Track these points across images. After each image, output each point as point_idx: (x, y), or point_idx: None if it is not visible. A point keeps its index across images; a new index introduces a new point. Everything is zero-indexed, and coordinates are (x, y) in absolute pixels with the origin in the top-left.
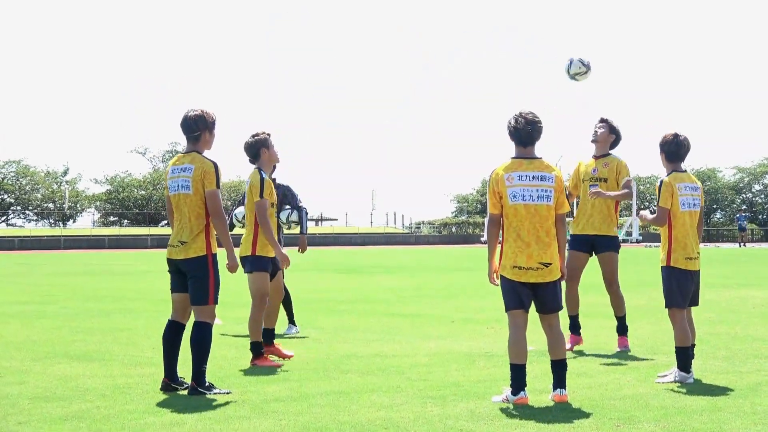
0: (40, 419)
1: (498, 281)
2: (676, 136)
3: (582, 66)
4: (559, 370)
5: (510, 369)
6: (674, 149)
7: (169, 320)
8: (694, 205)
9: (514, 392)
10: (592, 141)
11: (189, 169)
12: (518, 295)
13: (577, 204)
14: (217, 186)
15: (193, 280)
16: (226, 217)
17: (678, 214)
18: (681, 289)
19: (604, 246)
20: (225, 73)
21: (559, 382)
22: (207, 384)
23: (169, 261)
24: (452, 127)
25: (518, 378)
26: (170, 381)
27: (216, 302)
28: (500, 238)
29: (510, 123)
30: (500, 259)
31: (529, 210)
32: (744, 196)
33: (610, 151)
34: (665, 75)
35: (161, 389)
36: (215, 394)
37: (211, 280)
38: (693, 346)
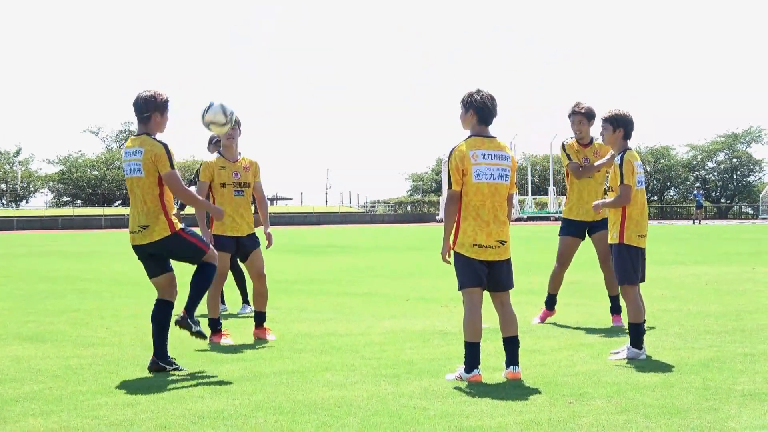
0: None
1: (451, 260)
2: (629, 114)
3: (223, 115)
4: (511, 347)
5: (465, 347)
6: (632, 127)
7: (157, 300)
8: (643, 183)
9: (468, 370)
10: (578, 138)
11: (139, 153)
12: (476, 273)
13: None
14: (172, 167)
15: (175, 254)
16: (190, 191)
17: (634, 191)
18: (634, 265)
19: (599, 227)
20: (179, 47)
21: (512, 359)
22: (195, 320)
23: (137, 248)
24: (407, 106)
25: (473, 356)
26: (159, 359)
27: (209, 246)
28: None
29: (474, 98)
30: (455, 238)
31: (491, 188)
32: (697, 173)
33: (594, 137)
34: (619, 51)
35: (149, 369)
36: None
37: (192, 242)
38: (644, 322)
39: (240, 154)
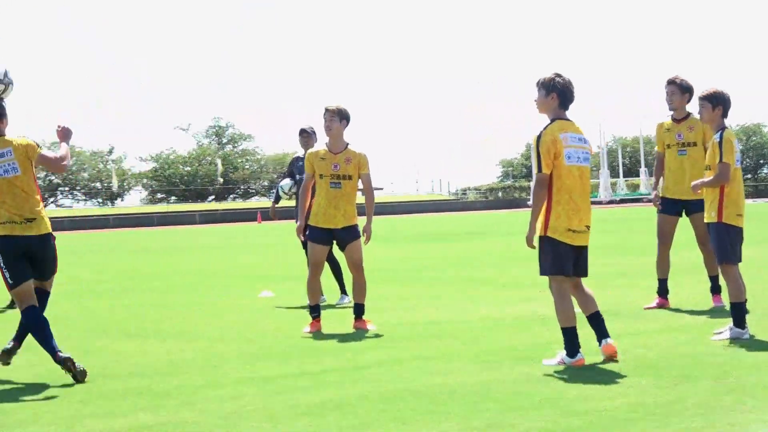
0: (102, 396)
1: (536, 245)
2: (726, 92)
3: None
4: (597, 322)
5: (562, 333)
6: (730, 105)
7: (30, 308)
8: (740, 161)
9: (571, 354)
10: (670, 109)
11: (8, 152)
12: (566, 259)
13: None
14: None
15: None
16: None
17: (732, 170)
18: (733, 244)
19: (697, 207)
20: (264, 44)
21: (602, 332)
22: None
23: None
24: (496, 92)
25: (571, 340)
26: (57, 359)
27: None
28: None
29: (556, 81)
30: (546, 222)
31: (580, 171)
32: None
33: (690, 112)
34: (709, 28)
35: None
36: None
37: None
38: (746, 301)
39: (347, 145)
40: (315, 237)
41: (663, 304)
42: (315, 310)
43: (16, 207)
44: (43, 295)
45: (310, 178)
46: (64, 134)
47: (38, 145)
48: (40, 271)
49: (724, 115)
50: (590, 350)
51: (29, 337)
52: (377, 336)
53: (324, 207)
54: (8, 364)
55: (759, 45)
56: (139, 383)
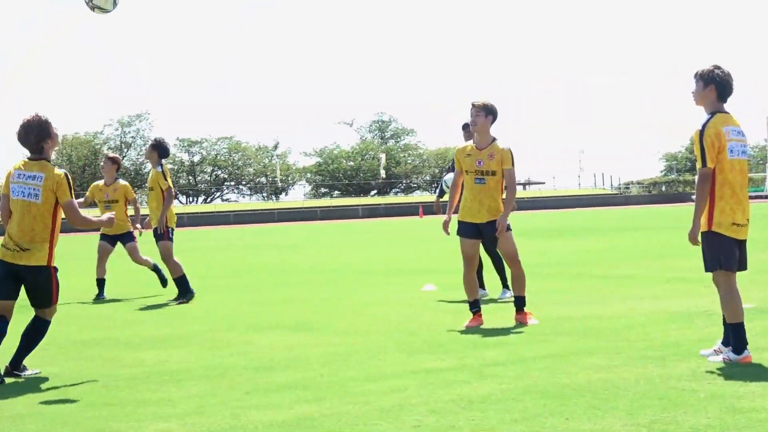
0: (266, 388)
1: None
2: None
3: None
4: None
5: (730, 329)
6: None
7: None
8: None
9: (737, 351)
10: None
11: (40, 178)
12: (733, 254)
13: None
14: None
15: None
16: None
17: None
18: None
19: None
20: (428, 39)
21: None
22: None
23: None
24: (660, 84)
25: (739, 337)
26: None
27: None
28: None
29: (715, 73)
30: (710, 217)
31: (741, 165)
32: None
33: None
34: None
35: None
36: (27, 375)
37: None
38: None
39: (493, 140)
40: (462, 231)
41: None
42: (474, 305)
43: (18, 233)
44: (40, 322)
45: (459, 174)
46: (109, 223)
47: (70, 189)
48: (31, 300)
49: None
50: (763, 347)
51: (192, 328)
52: (539, 330)
53: (469, 202)
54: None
55: None
56: (302, 375)
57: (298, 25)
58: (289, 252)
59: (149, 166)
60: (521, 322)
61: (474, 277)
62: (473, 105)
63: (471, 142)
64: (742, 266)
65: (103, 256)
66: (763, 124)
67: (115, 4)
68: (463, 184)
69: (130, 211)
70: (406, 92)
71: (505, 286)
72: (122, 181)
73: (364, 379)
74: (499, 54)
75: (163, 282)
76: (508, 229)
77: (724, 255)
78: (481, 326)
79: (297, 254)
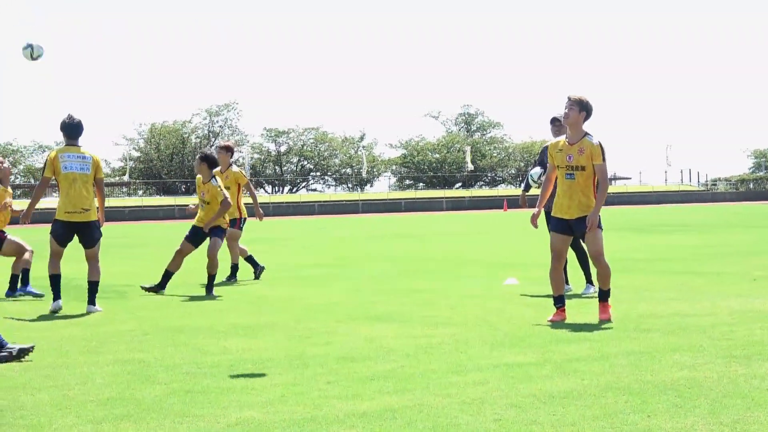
0: (348, 378)
1: None
2: None
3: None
4: None
5: None
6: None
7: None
8: None
9: None
10: None
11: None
12: None
13: None
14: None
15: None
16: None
17: None
18: None
19: None
20: (516, 33)
21: None
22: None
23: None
24: (749, 79)
25: None
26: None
27: None
28: None
29: None
30: None
31: None
32: None
33: None
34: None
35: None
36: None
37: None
38: None
39: (585, 135)
40: (553, 226)
41: None
42: (559, 301)
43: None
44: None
45: (552, 169)
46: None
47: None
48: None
49: None
50: None
51: (278, 318)
52: (622, 326)
53: (560, 198)
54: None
55: None
56: (385, 367)
57: (386, 17)
58: (373, 242)
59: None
60: (604, 317)
61: (561, 273)
62: (569, 98)
63: (564, 137)
64: None
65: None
66: None
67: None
68: (556, 180)
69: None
70: (493, 85)
71: (588, 281)
72: (235, 168)
73: (446, 372)
74: (587, 47)
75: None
76: (599, 226)
77: None
78: (564, 321)
79: (381, 245)
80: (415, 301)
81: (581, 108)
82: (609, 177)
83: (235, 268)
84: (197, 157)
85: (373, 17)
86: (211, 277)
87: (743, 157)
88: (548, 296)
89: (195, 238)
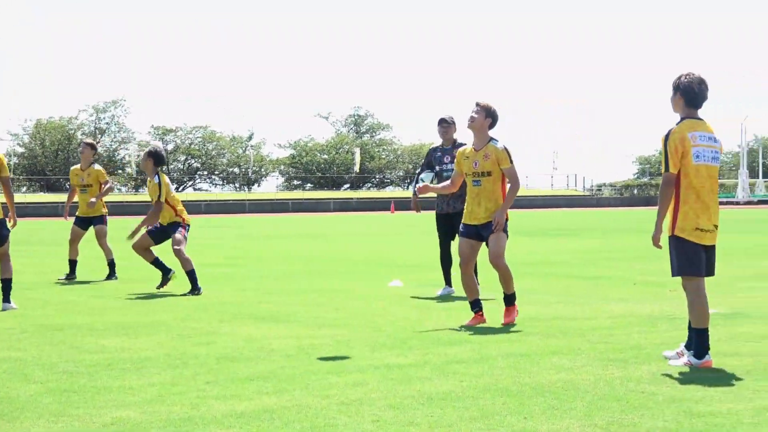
0: (227, 379)
1: (663, 245)
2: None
3: None
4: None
5: (695, 333)
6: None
7: None
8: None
9: (699, 356)
10: None
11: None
12: (699, 259)
13: None
14: None
15: None
16: None
17: None
18: None
19: None
20: (406, 35)
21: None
22: None
23: None
24: (633, 88)
25: (703, 342)
26: None
27: None
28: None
29: (681, 81)
30: (674, 222)
31: (708, 171)
32: None
33: None
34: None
35: None
36: None
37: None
38: None
39: (492, 140)
40: (461, 232)
41: None
42: (475, 305)
43: None
44: None
45: (458, 175)
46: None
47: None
48: None
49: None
50: (723, 352)
51: (161, 317)
52: (504, 329)
53: (470, 204)
54: None
55: None
56: (265, 367)
57: (276, 16)
58: (261, 243)
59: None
60: (508, 320)
61: (472, 278)
62: (477, 104)
63: (470, 144)
64: (710, 271)
65: (75, 239)
66: (737, 131)
67: None
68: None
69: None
70: (383, 87)
71: (448, 283)
72: (96, 166)
73: (326, 372)
74: (473, 50)
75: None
76: (505, 231)
77: (688, 260)
78: (482, 325)
79: (268, 245)
80: (301, 301)
81: (488, 114)
82: None
83: (111, 264)
84: (144, 152)
85: (263, 15)
86: (188, 273)
87: (628, 162)
88: (431, 298)
89: (156, 236)
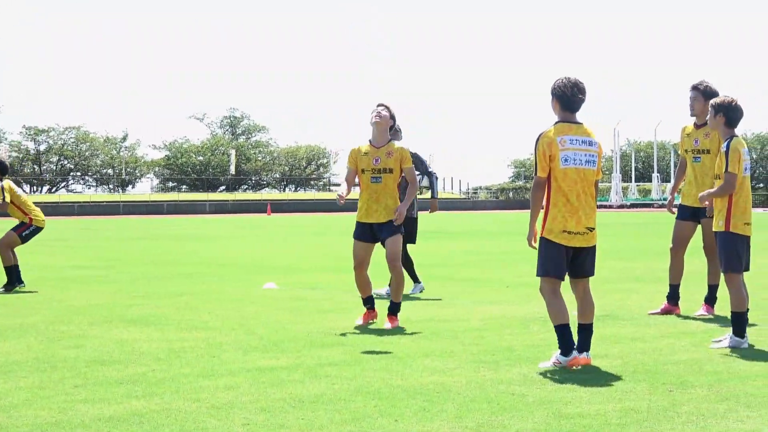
0: (96, 382)
1: (536, 245)
2: (735, 101)
3: None
4: (586, 335)
5: (555, 331)
6: (736, 115)
7: None
8: (748, 170)
9: (565, 353)
10: (691, 115)
11: None
12: (560, 262)
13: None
14: None
15: None
16: None
17: (740, 180)
18: (739, 253)
19: (706, 214)
20: (282, 36)
21: (584, 345)
22: None
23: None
24: (510, 92)
25: (565, 338)
26: None
27: None
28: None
29: (556, 85)
30: (544, 223)
31: (579, 174)
32: None
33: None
34: (727, 36)
35: None
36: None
37: None
38: (747, 311)
39: (390, 140)
40: (356, 234)
41: (671, 311)
42: (367, 302)
43: None
44: None
45: (352, 173)
46: None
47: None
48: None
49: (729, 123)
50: (594, 354)
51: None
52: (377, 331)
53: (367, 202)
54: None
55: None
56: (135, 371)
57: (150, 17)
58: (134, 245)
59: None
60: (391, 326)
61: (365, 277)
62: (382, 104)
63: (367, 142)
64: (580, 272)
65: None
66: (610, 135)
67: None
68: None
69: None
70: (260, 89)
71: (415, 280)
72: None
73: (197, 376)
74: (349, 53)
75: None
76: (399, 232)
77: (552, 262)
78: (374, 321)
79: (141, 247)
80: (173, 304)
81: (391, 114)
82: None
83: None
84: None
85: (136, 16)
86: (6, 269)
87: (503, 166)
88: (303, 299)
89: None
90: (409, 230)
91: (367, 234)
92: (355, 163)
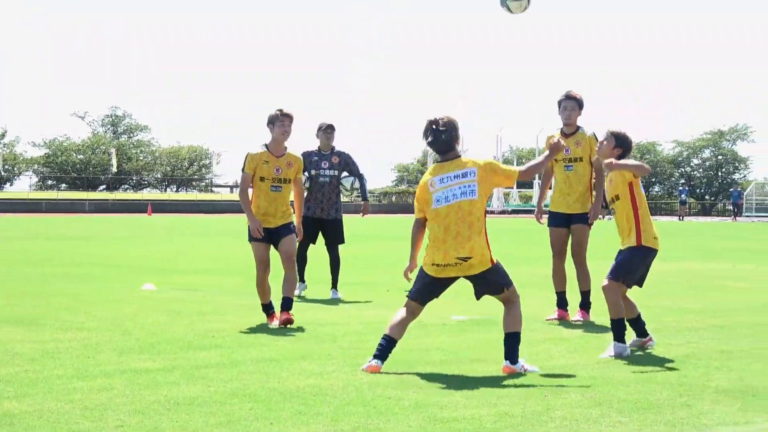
0: None
1: (411, 276)
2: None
3: None
4: (510, 342)
5: (381, 339)
6: (630, 150)
7: None
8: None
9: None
10: (567, 124)
11: None
12: (430, 292)
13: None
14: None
15: None
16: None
17: (641, 193)
18: (639, 268)
19: (578, 220)
20: (166, 35)
21: (509, 354)
22: None
23: None
24: (394, 95)
25: (383, 349)
26: None
27: None
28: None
29: (425, 128)
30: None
31: (451, 209)
32: (683, 170)
33: (580, 126)
34: (606, 46)
35: None
36: None
37: None
38: (639, 315)
39: (286, 149)
40: (250, 237)
41: (563, 317)
42: (269, 308)
43: None
44: None
45: (248, 179)
46: None
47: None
48: None
49: (622, 156)
50: (471, 358)
51: None
52: (255, 333)
53: (265, 205)
54: None
55: (654, 64)
56: (8, 371)
57: (34, 10)
58: (11, 244)
59: None
60: (284, 323)
61: (266, 280)
62: (287, 114)
63: (264, 148)
64: (489, 292)
65: None
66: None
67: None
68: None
69: None
70: (142, 88)
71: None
72: None
73: (71, 377)
74: (232, 55)
75: None
76: (295, 231)
77: (415, 286)
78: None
79: (18, 246)
80: (49, 304)
81: (290, 120)
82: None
83: None
84: None
85: (17, 9)
86: None
87: (387, 170)
88: (181, 301)
89: None
90: (336, 231)
91: (264, 237)
92: (253, 170)
